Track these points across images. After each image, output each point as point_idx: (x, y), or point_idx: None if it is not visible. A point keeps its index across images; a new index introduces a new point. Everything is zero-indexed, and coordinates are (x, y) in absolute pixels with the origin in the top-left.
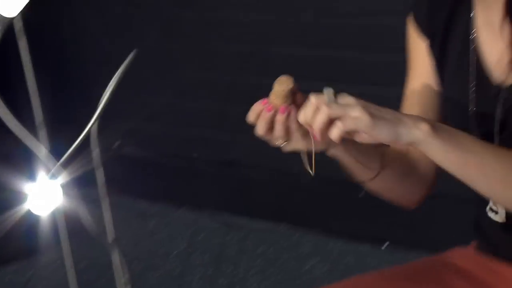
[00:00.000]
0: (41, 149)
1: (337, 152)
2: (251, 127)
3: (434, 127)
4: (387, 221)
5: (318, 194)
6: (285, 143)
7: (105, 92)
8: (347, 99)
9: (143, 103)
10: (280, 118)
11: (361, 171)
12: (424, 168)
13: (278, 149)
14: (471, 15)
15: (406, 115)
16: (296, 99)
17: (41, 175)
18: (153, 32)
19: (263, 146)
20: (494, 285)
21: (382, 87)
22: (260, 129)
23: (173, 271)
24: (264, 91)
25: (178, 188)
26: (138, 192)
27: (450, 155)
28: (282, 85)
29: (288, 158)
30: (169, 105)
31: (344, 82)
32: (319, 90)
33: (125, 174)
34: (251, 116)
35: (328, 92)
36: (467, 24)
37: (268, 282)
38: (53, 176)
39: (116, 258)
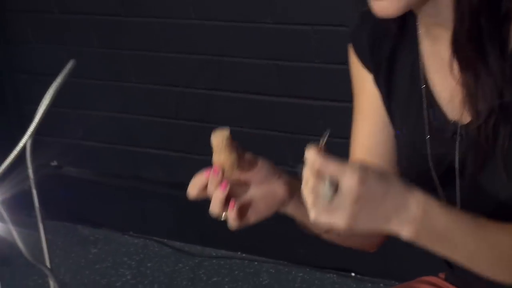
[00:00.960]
0: None
1: (288, 209)
2: (205, 145)
3: (417, 232)
4: (354, 249)
5: (279, 219)
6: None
7: (40, 106)
8: (343, 198)
9: (83, 117)
10: (220, 195)
11: (314, 226)
12: None
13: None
14: (418, 48)
15: (396, 210)
16: (237, 150)
17: None
18: (93, 40)
19: None
20: None
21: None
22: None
23: None
24: (217, 103)
25: (124, 211)
26: (79, 215)
27: (435, 249)
28: (218, 137)
29: None
30: (112, 119)
31: (307, 94)
32: (278, 103)
33: (64, 196)
34: (192, 191)
35: (327, 185)
36: (414, 58)
37: None
38: None
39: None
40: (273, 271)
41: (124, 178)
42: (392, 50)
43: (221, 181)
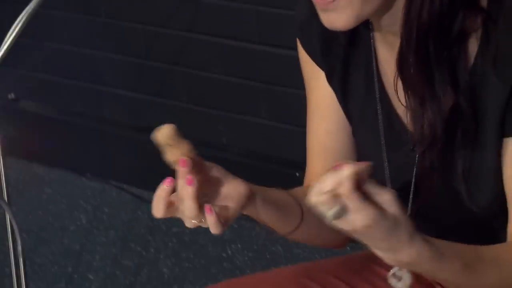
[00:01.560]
0: None
1: (251, 211)
2: (175, 89)
3: (409, 262)
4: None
5: (247, 171)
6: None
7: (8, 35)
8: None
9: (46, 49)
10: (191, 193)
11: (279, 227)
12: None
13: (202, 117)
14: (373, 53)
15: (391, 249)
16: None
17: None
18: None
19: (185, 113)
20: None
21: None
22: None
23: (70, 248)
24: (191, 45)
25: (83, 152)
26: (34, 153)
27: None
28: (164, 133)
29: (214, 129)
30: (78, 54)
31: (287, 44)
32: (255, 51)
33: (20, 132)
34: (158, 208)
35: (334, 210)
36: (369, 62)
37: (182, 267)
38: None
39: (12, 220)
40: (236, 226)
41: (86, 117)
42: (346, 53)
43: (189, 174)
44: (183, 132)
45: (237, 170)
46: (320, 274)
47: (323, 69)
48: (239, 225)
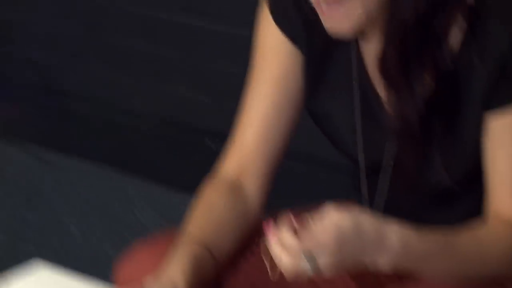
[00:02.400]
0: None
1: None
2: (87, 49)
3: (398, 263)
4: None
5: (155, 139)
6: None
7: None
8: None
9: None
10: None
11: None
12: None
13: (116, 82)
14: (356, 44)
15: (376, 252)
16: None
17: None
18: None
19: (101, 76)
20: None
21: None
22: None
23: None
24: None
25: None
26: None
27: (413, 271)
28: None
29: (127, 96)
30: None
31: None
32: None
33: None
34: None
35: (306, 260)
36: (349, 52)
37: (88, 224)
38: None
39: None
40: (142, 189)
41: None
42: (325, 34)
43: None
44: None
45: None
46: None
47: (299, 45)
48: (145, 188)
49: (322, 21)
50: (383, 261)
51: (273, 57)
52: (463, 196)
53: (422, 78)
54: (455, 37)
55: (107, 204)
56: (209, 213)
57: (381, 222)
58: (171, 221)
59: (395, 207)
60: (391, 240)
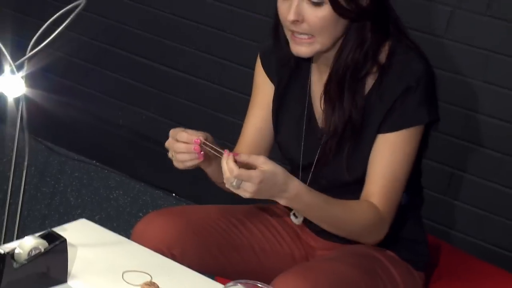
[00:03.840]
0: (6, 47)
1: (205, 168)
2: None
3: (291, 203)
4: (175, 177)
5: (128, 142)
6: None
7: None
8: (247, 185)
9: None
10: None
11: (216, 178)
12: None
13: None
14: (309, 78)
15: (280, 192)
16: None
17: (7, 67)
18: None
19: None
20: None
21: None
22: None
23: (4, 173)
24: None
25: None
26: None
27: (300, 210)
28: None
29: (110, 105)
30: None
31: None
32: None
33: None
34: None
35: (235, 182)
36: (304, 84)
37: (82, 199)
38: (17, 69)
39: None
40: (119, 179)
41: None
42: (290, 75)
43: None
44: None
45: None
46: (235, 213)
47: (273, 81)
48: (121, 178)
49: (290, 45)
50: (283, 200)
51: (260, 89)
52: (354, 188)
53: (349, 103)
54: (370, 82)
55: (94, 186)
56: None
57: (289, 175)
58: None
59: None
60: (290, 187)
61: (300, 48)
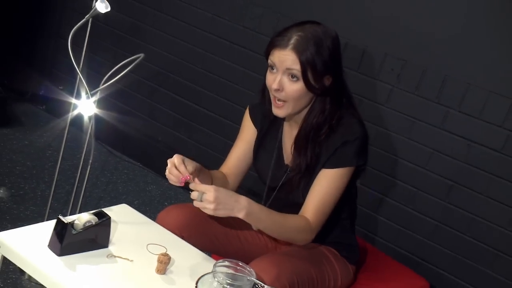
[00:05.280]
0: (83, 75)
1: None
2: None
3: (246, 214)
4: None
5: (163, 153)
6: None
7: None
8: (208, 195)
9: None
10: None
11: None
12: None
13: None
14: (282, 128)
15: (236, 206)
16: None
17: (83, 92)
18: None
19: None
20: None
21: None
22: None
23: (77, 165)
24: None
25: None
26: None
27: (254, 223)
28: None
29: (153, 126)
30: None
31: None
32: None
33: None
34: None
35: (198, 195)
36: (278, 131)
37: (127, 189)
38: (91, 95)
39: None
40: (154, 177)
41: None
42: (270, 125)
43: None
44: None
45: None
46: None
47: (256, 128)
48: (155, 176)
49: (272, 108)
50: (240, 212)
51: (246, 130)
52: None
53: (311, 151)
54: (322, 137)
55: (136, 181)
56: (216, 177)
57: (236, 193)
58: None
59: (275, 208)
60: (241, 198)
61: (278, 111)
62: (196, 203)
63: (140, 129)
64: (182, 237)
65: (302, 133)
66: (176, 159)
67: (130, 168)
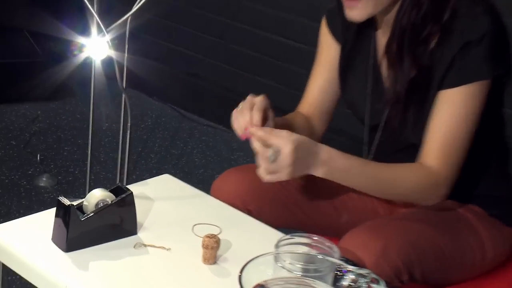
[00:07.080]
0: (95, 11)
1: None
2: None
3: (327, 171)
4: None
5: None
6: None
7: None
8: (283, 162)
9: None
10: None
11: None
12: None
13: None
14: (374, 38)
15: (313, 162)
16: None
17: (94, 31)
18: None
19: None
20: None
21: None
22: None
23: (141, 137)
24: None
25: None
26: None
27: (345, 183)
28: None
29: (235, 79)
30: None
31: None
32: None
33: None
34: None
35: (272, 154)
36: (368, 43)
37: (206, 160)
38: (104, 33)
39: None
40: (240, 142)
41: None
42: (356, 35)
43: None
44: None
45: None
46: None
47: (339, 41)
48: (241, 142)
49: (344, 9)
50: (320, 169)
51: (325, 49)
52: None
53: (409, 65)
54: (433, 43)
55: (218, 148)
56: (298, 126)
57: (315, 144)
58: None
59: (382, 154)
60: (321, 154)
61: (351, 12)
62: (265, 166)
63: (217, 81)
64: (248, 212)
65: (393, 39)
66: (259, 101)
67: (209, 134)
